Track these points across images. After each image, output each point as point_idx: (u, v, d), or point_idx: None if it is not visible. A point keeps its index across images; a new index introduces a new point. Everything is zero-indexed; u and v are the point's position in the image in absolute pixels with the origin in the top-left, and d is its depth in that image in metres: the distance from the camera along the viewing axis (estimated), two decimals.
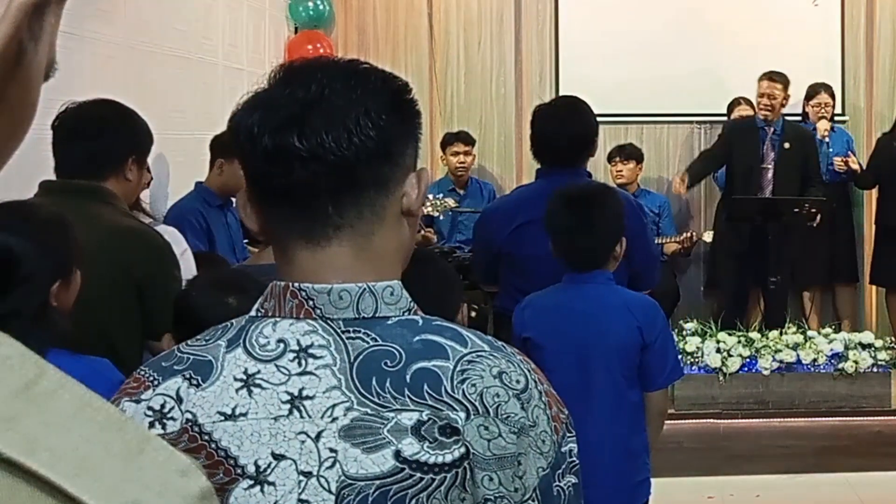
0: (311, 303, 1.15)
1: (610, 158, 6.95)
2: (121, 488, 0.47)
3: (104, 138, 2.82)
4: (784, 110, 6.66)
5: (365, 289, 1.15)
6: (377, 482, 1.08)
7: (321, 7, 6.83)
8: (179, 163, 4.84)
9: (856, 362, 5.77)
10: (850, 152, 6.83)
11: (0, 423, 0.46)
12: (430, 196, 6.53)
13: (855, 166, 6.72)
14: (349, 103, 1.15)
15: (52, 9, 0.55)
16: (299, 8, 6.78)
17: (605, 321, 2.92)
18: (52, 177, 2.85)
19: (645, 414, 2.96)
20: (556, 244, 3.00)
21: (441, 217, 6.62)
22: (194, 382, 1.15)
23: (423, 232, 6.51)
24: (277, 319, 1.16)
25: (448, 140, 6.95)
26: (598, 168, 7.15)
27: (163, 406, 1.14)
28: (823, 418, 5.71)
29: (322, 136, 1.13)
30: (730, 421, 5.66)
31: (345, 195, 1.16)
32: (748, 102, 6.96)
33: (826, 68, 7.29)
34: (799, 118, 6.98)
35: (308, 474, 1.10)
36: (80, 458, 0.47)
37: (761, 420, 5.69)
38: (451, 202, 6.46)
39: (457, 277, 2.42)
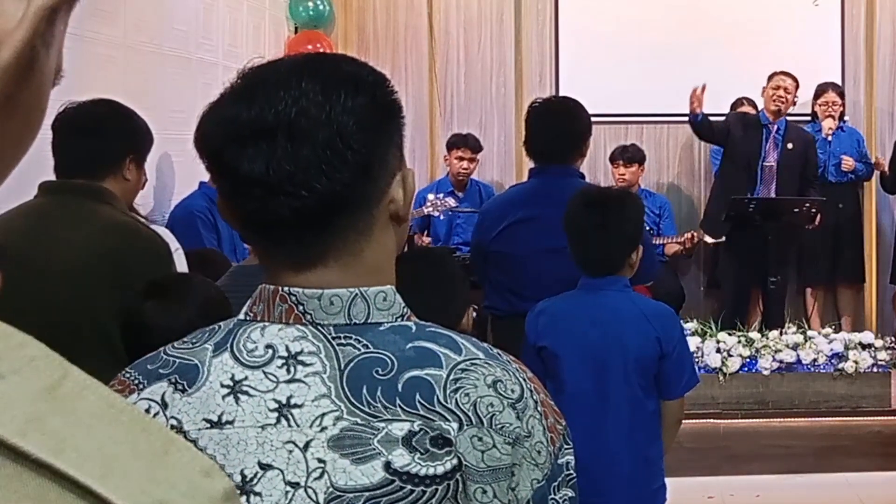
0: (300, 308, 1.11)
1: (612, 160, 6.93)
2: (148, 488, 0.47)
3: (102, 138, 2.82)
4: (792, 110, 6.63)
5: (357, 294, 1.11)
6: (366, 494, 1.05)
7: (321, 7, 6.83)
8: (180, 163, 4.85)
9: (856, 362, 5.76)
10: (854, 154, 6.79)
11: (27, 424, 0.46)
12: (431, 196, 6.53)
13: (857, 165, 6.68)
14: (319, 125, 1.08)
15: (61, 15, 0.55)
16: (299, 8, 6.78)
17: (623, 331, 2.88)
18: (53, 177, 2.85)
19: (661, 421, 2.95)
20: (571, 246, 2.96)
21: (441, 217, 6.60)
22: (180, 387, 1.11)
23: (420, 239, 6.51)
24: (266, 324, 1.12)
25: (454, 143, 6.82)
26: (600, 169, 7.15)
27: (147, 411, 1.10)
28: (823, 418, 5.70)
29: (292, 166, 1.07)
30: (730, 421, 5.65)
31: (325, 222, 1.11)
32: (751, 102, 6.95)
33: (826, 68, 7.29)
34: (808, 118, 6.97)
35: (295, 485, 1.06)
36: (107, 458, 0.47)
37: (761, 420, 5.68)
38: (451, 202, 6.45)
39: (466, 278, 2.42)
